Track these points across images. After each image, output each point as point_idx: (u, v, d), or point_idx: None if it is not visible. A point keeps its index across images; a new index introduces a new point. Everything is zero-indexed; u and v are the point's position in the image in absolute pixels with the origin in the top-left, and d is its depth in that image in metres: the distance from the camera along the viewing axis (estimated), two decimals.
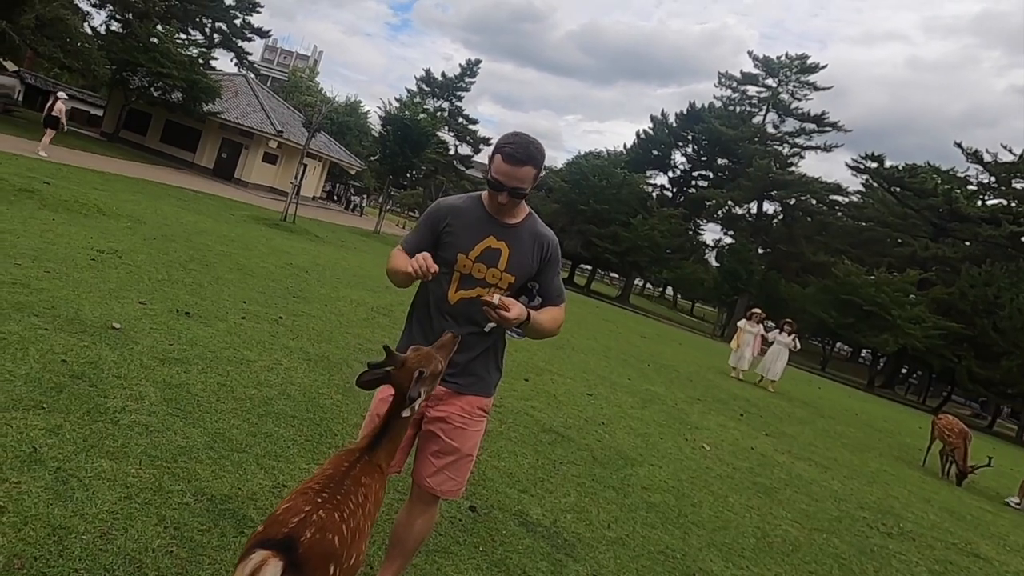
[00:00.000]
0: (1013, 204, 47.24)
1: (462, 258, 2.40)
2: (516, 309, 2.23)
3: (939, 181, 49.51)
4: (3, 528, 2.34)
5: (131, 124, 32.62)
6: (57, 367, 3.85)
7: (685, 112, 62.32)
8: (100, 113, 37.13)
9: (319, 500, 1.71)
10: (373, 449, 2.01)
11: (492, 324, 2.33)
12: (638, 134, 64.94)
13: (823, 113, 57.44)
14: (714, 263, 61.37)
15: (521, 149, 2.30)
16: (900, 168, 52.18)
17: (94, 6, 33.16)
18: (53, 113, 17.83)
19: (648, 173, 63.84)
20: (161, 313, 5.69)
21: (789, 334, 15.63)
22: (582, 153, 61.84)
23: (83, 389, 3.67)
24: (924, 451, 11.48)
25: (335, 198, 51.10)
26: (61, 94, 18.90)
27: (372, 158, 44.20)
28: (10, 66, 31.05)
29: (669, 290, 79.12)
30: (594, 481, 4.86)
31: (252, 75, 42.70)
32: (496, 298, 2.22)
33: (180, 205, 15.21)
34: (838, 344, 56.05)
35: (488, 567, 3.16)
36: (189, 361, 4.68)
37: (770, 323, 18.81)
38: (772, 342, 15.79)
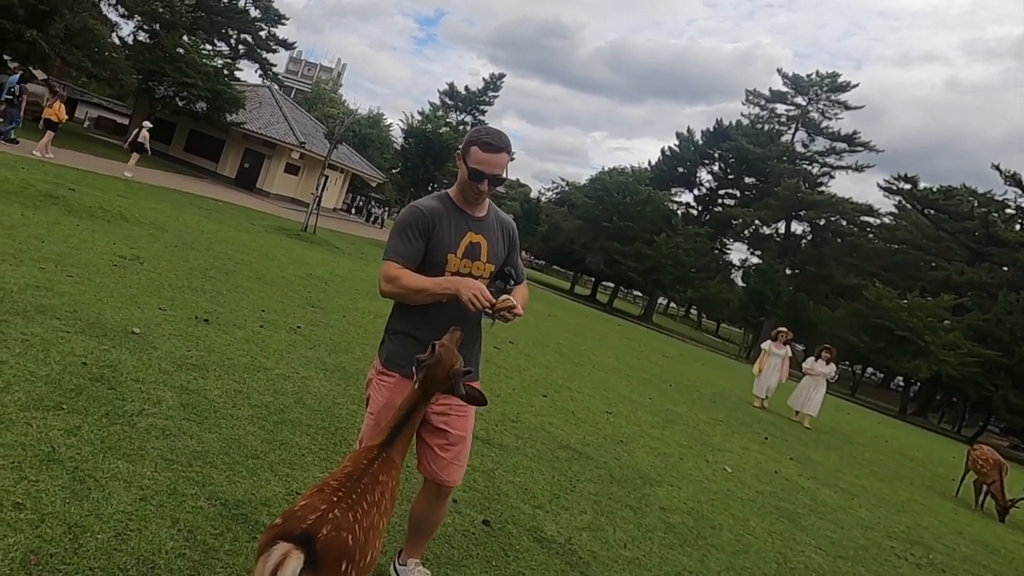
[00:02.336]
0: None
1: (452, 258, 2.54)
2: (519, 301, 2.44)
3: (975, 204, 48.90)
4: (21, 524, 2.40)
5: (155, 133, 33.12)
6: (77, 369, 3.95)
7: (712, 129, 62.33)
8: (126, 122, 38.02)
9: (335, 499, 1.78)
10: (391, 445, 2.11)
11: (491, 320, 2.43)
12: (663, 151, 65.04)
13: (854, 132, 57.19)
14: (740, 283, 60.92)
15: (495, 137, 2.48)
16: (935, 190, 51.65)
17: (122, 17, 34.09)
18: (139, 140, 19.96)
19: (673, 190, 63.82)
20: (180, 319, 5.80)
21: (828, 362, 13.94)
22: (606, 169, 61.96)
23: (102, 392, 3.76)
24: (957, 481, 11.24)
25: (355, 209, 51.63)
26: (147, 123, 20.93)
27: (394, 171, 44.73)
28: (39, 75, 31.93)
29: (693, 310, 78.60)
30: (611, 500, 4.84)
31: (276, 86, 43.51)
32: (511, 300, 2.37)
33: (202, 214, 15.49)
34: (868, 369, 55.19)
35: None
36: (207, 367, 4.77)
37: (798, 345, 17.51)
38: (806, 372, 13.93)
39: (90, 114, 42.76)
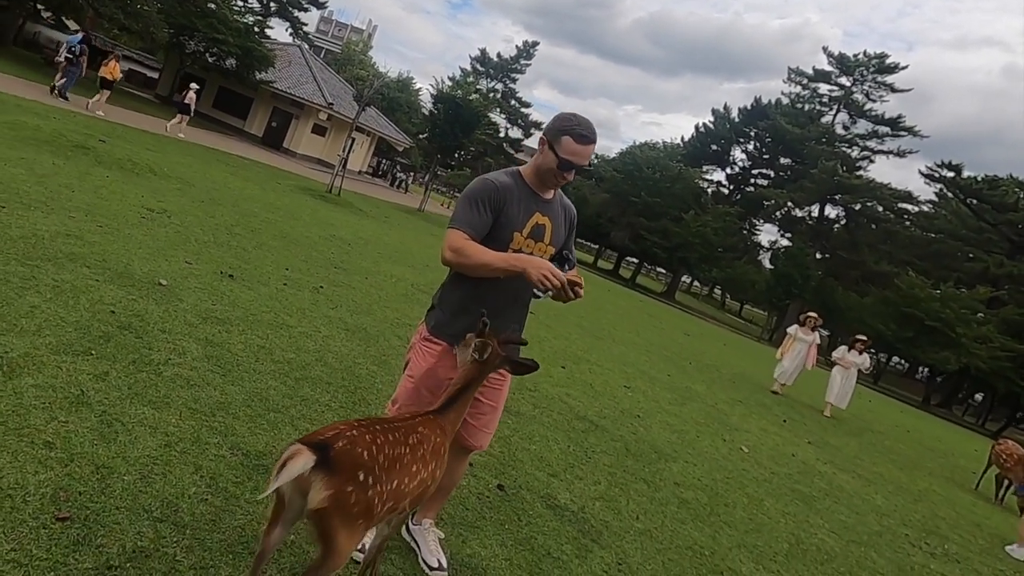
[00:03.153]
0: None
1: (517, 236, 2.57)
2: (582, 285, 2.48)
3: (1021, 196, 47.62)
4: (51, 462, 2.50)
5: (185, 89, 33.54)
6: (106, 317, 4.05)
7: (749, 107, 61.24)
8: (156, 76, 38.24)
9: (357, 424, 1.98)
10: (442, 413, 2.30)
11: (544, 295, 2.46)
12: (697, 127, 64.14)
13: (899, 116, 55.73)
14: (768, 265, 60.25)
15: (588, 129, 2.51)
16: (979, 179, 50.37)
17: None
18: (185, 101, 20.63)
19: (705, 168, 63.02)
20: (206, 274, 5.90)
21: (861, 352, 13.45)
22: (637, 144, 61.25)
23: (129, 340, 3.86)
24: (979, 474, 11.16)
25: (380, 173, 51.69)
26: (194, 85, 21.55)
27: (421, 136, 44.57)
28: (72, 25, 32.17)
29: (717, 289, 77.98)
30: (625, 472, 4.89)
31: (306, 46, 43.40)
32: (577, 277, 2.45)
33: (229, 171, 15.63)
34: (894, 358, 54.56)
35: (513, 544, 3.23)
36: (231, 322, 4.86)
37: (823, 331, 16.76)
38: (837, 362, 13.39)
39: (121, 67, 42.98)
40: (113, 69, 18.29)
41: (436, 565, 2.75)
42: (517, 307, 2.69)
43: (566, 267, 2.63)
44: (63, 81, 17.91)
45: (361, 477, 1.86)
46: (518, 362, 2.41)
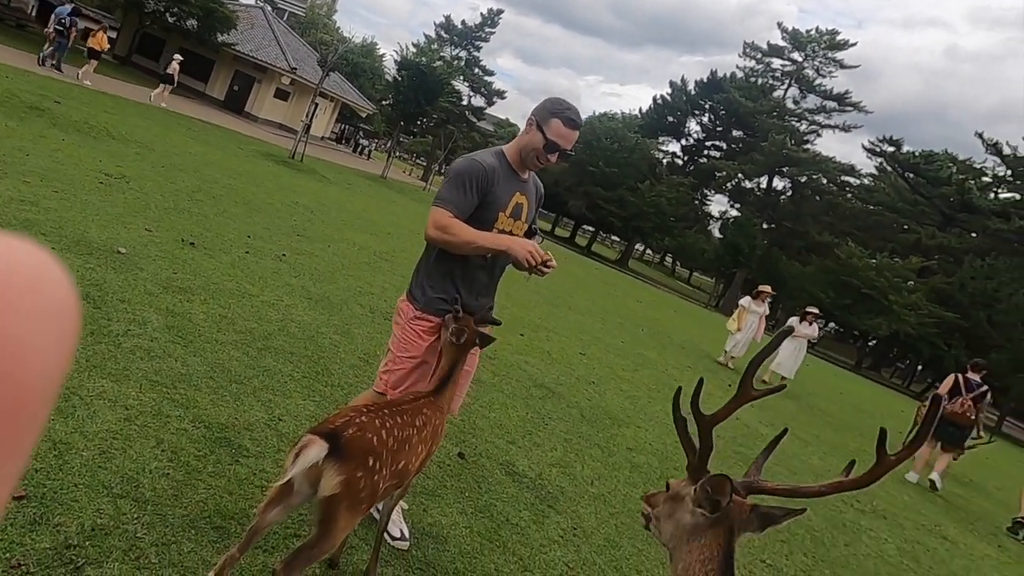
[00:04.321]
0: None
1: (502, 216, 2.61)
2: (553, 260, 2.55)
3: (955, 170, 49.02)
4: None
5: (144, 49, 32.08)
6: None
7: (705, 80, 61.29)
8: (113, 35, 36.43)
9: (365, 410, 2.04)
10: (439, 393, 2.39)
11: (528, 275, 2.56)
12: (655, 99, 64.06)
13: (846, 92, 56.53)
14: (717, 235, 61.13)
15: (576, 114, 2.56)
16: (917, 154, 51.61)
17: None
18: (169, 71, 20.49)
19: (661, 139, 63.15)
20: (166, 241, 5.70)
21: (811, 323, 13.16)
22: (597, 114, 60.97)
23: (87, 311, 3.71)
24: (904, 435, 11.63)
25: (344, 139, 50.57)
26: (178, 56, 21.21)
27: (384, 102, 43.67)
28: None
29: (668, 257, 78.96)
30: (581, 438, 4.95)
31: (269, 8, 41.77)
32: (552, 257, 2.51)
33: (189, 135, 15.07)
34: (830, 324, 56.25)
35: (473, 512, 3.25)
36: (192, 291, 4.72)
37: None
38: (795, 336, 12.79)
39: (78, 25, 40.86)
40: (100, 40, 18.06)
41: (399, 535, 2.76)
42: (494, 282, 2.78)
43: (538, 238, 2.76)
44: (51, 50, 17.49)
45: (371, 463, 1.91)
46: (487, 337, 2.59)
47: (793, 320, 13.54)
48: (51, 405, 0.23)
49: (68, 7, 18.27)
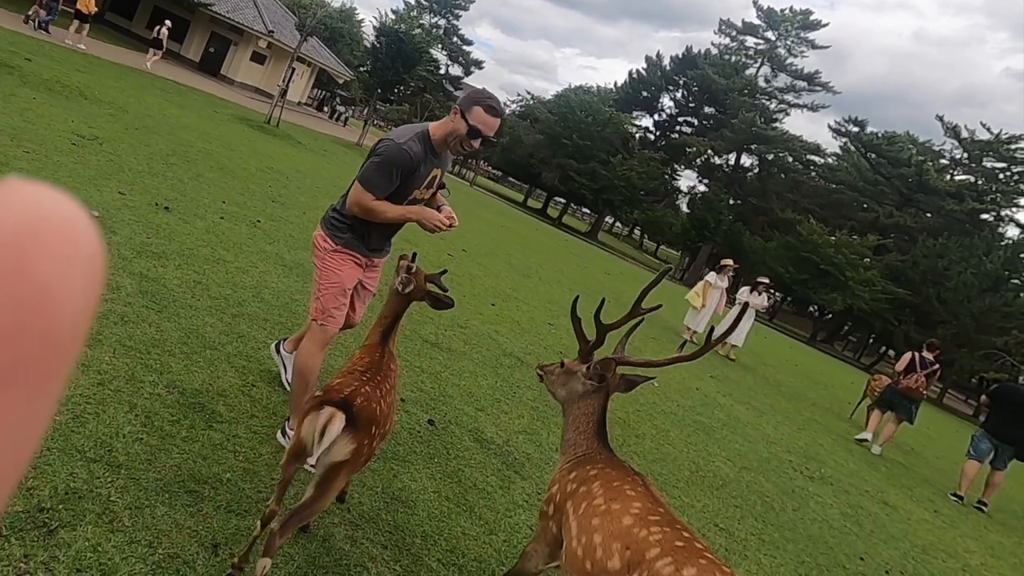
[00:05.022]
0: (980, 182, 47.92)
1: (417, 192, 2.93)
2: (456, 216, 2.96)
3: (914, 152, 49.86)
4: None
5: (117, 7, 30.84)
6: None
7: (681, 56, 61.00)
8: None
9: (364, 379, 2.21)
10: (387, 342, 2.53)
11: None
12: (630, 73, 63.67)
13: (816, 72, 56.82)
14: (685, 209, 61.51)
15: (497, 103, 2.82)
16: (879, 135, 52.30)
17: None
18: (159, 37, 20.82)
19: (635, 114, 62.93)
20: (140, 205, 5.57)
21: (761, 294, 12.98)
22: (572, 87, 60.47)
23: None
24: (854, 405, 12.01)
25: (320, 105, 49.48)
26: (167, 22, 21.69)
27: (361, 68, 42.70)
28: None
29: (637, 230, 79.33)
30: (547, 406, 5.01)
31: None
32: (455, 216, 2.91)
33: (164, 97, 14.62)
34: (788, 298, 57.35)
35: (442, 477, 3.29)
36: (166, 256, 4.63)
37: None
38: (737, 302, 12.92)
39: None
40: (88, 2, 17.60)
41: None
42: (397, 226, 3.07)
43: (444, 190, 3.13)
44: (44, 15, 17.15)
45: (373, 430, 2.09)
46: (437, 299, 2.67)
47: (744, 290, 13.35)
48: (82, 343, 0.25)
49: None
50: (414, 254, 2.66)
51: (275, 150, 13.74)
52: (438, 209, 2.92)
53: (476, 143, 2.78)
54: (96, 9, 18.60)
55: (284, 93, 18.99)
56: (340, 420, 1.93)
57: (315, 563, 2.31)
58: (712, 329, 2.42)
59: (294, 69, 23.26)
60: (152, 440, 2.57)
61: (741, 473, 5.42)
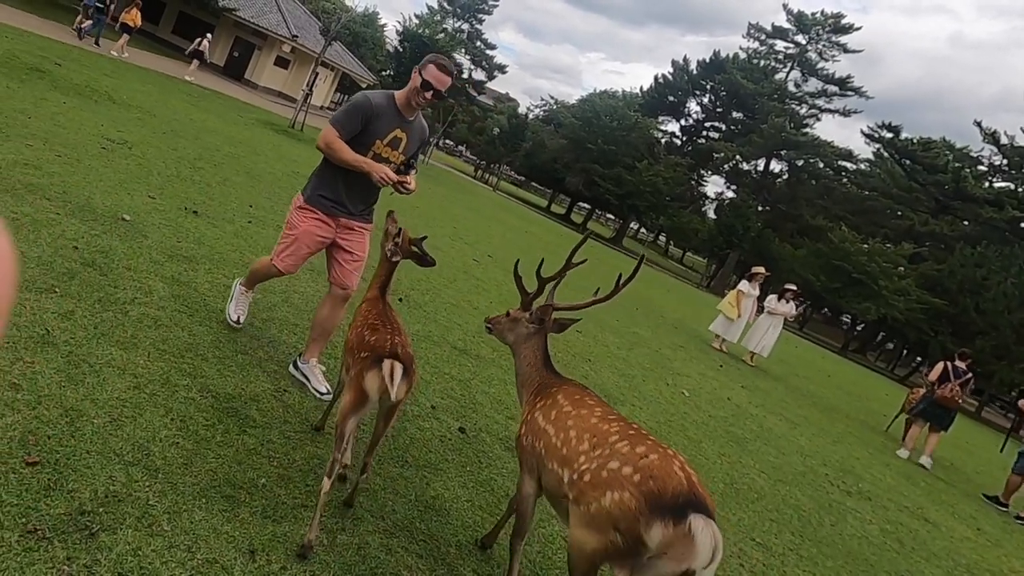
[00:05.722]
0: (1021, 189, 46.81)
1: (378, 143, 3.37)
2: (414, 184, 3.45)
3: (951, 158, 48.94)
4: (18, 405, 2.40)
5: (144, 12, 31.46)
6: (69, 253, 3.87)
7: (708, 60, 60.64)
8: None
9: (390, 331, 2.65)
10: (383, 296, 3.01)
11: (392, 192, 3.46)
12: (656, 78, 63.49)
13: (848, 76, 56.03)
14: (712, 215, 61.03)
15: (448, 63, 3.36)
16: (915, 141, 51.43)
17: None
18: (200, 48, 22.27)
19: (660, 119, 62.65)
20: (170, 209, 5.67)
21: (789, 301, 12.63)
22: (597, 92, 60.40)
23: (94, 277, 3.70)
24: (890, 418, 11.79)
25: None
26: (208, 35, 23.32)
27: (384, 72, 43.13)
28: None
29: (662, 236, 78.85)
30: None
31: None
32: (409, 182, 3.39)
33: (190, 101, 14.89)
34: (823, 308, 56.60)
35: (474, 486, 3.29)
36: (197, 260, 4.70)
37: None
38: (769, 311, 12.52)
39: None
40: (135, 16, 19.26)
41: (324, 391, 3.48)
42: (369, 191, 3.54)
43: (413, 170, 3.52)
44: (88, 25, 18.34)
45: (414, 375, 2.58)
46: (421, 258, 3.20)
47: (771, 298, 12.93)
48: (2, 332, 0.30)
49: None
50: (400, 229, 3.13)
51: (300, 154, 13.90)
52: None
53: (428, 95, 3.28)
54: (141, 23, 19.65)
55: (308, 97, 19.22)
56: (400, 368, 2.42)
57: (351, 571, 2.32)
58: (620, 277, 3.01)
59: (317, 73, 23.53)
60: (188, 444, 2.60)
61: (776, 486, 5.34)
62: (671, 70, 62.91)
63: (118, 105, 9.95)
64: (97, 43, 18.40)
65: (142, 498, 2.21)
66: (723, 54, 60.37)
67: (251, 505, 2.41)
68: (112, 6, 19.74)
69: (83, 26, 18.22)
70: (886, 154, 53.80)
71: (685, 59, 62.43)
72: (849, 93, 56.43)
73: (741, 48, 61.12)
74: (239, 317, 3.83)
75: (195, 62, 21.91)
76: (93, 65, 13.24)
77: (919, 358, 48.08)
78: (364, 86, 43.01)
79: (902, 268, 45.00)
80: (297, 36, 30.51)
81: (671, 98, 62.81)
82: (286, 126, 17.95)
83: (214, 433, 2.75)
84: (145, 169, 6.74)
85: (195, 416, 2.81)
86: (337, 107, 48.93)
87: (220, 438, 2.73)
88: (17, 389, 2.48)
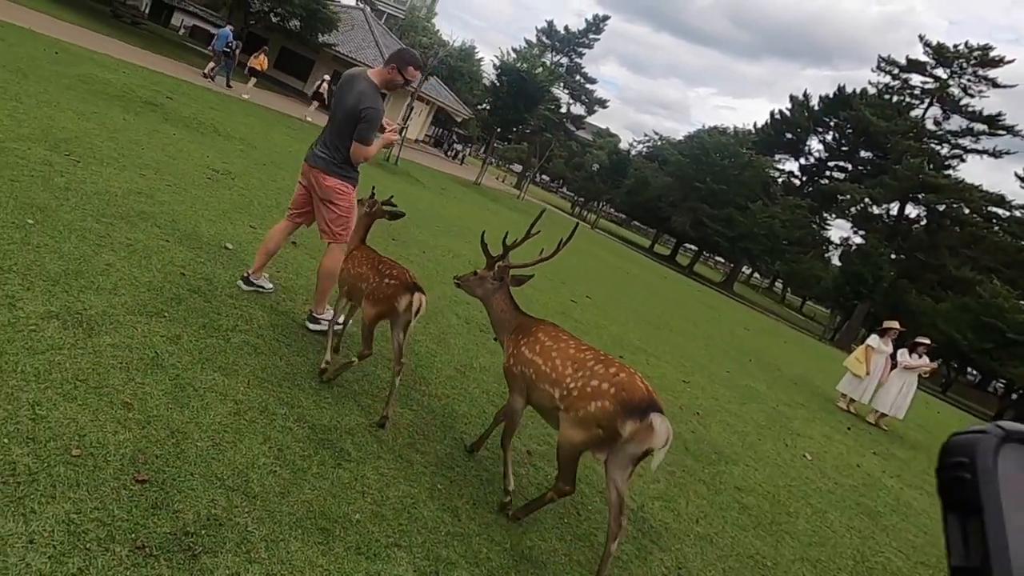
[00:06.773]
0: None
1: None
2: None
3: None
4: (129, 423, 2.61)
5: (248, 48, 34.15)
6: (176, 279, 4.20)
7: (832, 96, 58.97)
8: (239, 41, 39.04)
9: (391, 266, 3.89)
10: (364, 242, 4.34)
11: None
12: (772, 114, 62.45)
13: (999, 114, 52.65)
14: (836, 262, 58.50)
15: (420, 60, 4.56)
16: None
17: None
18: (320, 91, 24.12)
19: (777, 157, 61.20)
20: None
21: (921, 356, 12.04)
22: (706, 128, 59.92)
23: (199, 303, 3.99)
24: None
25: (439, 144, 51.93)
26: (327, 76, 24.96)
27: (480, 107, 44.54)
28: None
29: (779, 283, 76.10)
30: (685, 472, 4.87)
31: (369, 9, 43.60)
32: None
33: (289, 134, 15.91)
34: (968, 368, 52.67)
35: (572, 539, 3.26)
36: (295, 290, 4.98)
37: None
38: (900, 366, 11.89)
39: (185, 22, 44.16)
40: (262, 62, 22.08)
41: (271, 287, 4.74)
42: (341, 141, 4.45)
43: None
44: (214, 68, 20.93)
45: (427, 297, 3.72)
46: (393, 213, 4.52)
47: (902, 352, 12.21)
48: None
49: (228, 29, 21.67)
50: (372, 189, 4.66)
51: (394, 188, 14.50)
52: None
53: (407, 87, 4.69)
54: (266, 67, 22.55)
55: (403, 131, 20.14)
56: (425, 299, 3.65)
57: None
58: (561, 240, 3.64)
59: (412, 107, 24.66)
60: (285, 473, 2.74)
61: (917, 568, 4.97)
62: (789, 105, 61.57)
63: (223, 137, 10.78)
64: (228, 85, 20.67)
65: (241, 523, 2.33)
66: (849, 89, 58.53)
67: (345, 540, 2.50)
68: (238, 50, 22.04)
69: (211, 73, 20.72)
70: None
71: (806, 94, 60.88)
72: (1000, 132, 53.00)
73: (870, 83, 58.88)
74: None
75: (315, 103, 23.65)
76: (201, 99, 14.44)
77: None
78: (459, 120, 44.61)
79: None
80: None
81: (789, 135, 61.31)
82: (381, 160, 18.81)
83: (310, 464, 2.88)
84: (246, 199, 7.24)
85: (292, 446, 2.95)
86: (431, 140, 50.96)
87: (316, 469, 2.85)
88: (128, 408, 2.71)
